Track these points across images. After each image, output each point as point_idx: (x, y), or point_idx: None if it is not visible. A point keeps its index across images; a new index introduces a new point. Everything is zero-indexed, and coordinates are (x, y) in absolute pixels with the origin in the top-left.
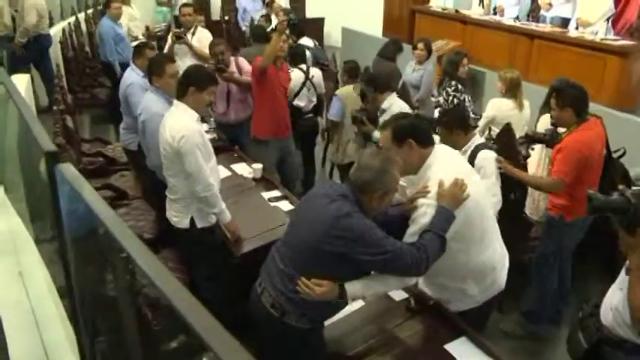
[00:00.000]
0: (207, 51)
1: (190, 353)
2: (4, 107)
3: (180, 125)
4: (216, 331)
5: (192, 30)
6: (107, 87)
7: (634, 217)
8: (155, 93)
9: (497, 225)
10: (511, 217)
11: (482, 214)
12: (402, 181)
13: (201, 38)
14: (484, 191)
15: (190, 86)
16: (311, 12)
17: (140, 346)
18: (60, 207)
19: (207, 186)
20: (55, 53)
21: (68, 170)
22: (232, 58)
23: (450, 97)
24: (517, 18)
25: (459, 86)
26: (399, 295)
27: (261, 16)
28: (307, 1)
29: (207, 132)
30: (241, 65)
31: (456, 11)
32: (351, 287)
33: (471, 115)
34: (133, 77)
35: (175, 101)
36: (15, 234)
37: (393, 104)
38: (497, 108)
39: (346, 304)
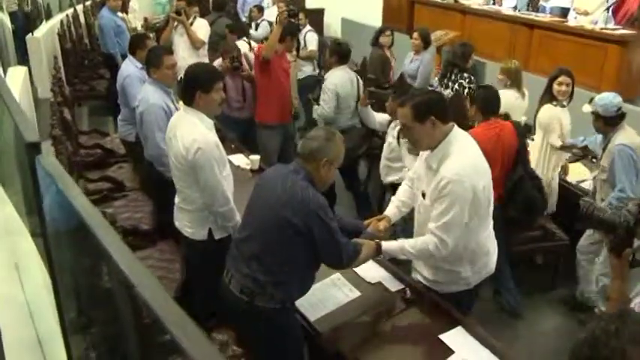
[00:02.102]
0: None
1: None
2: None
3: (195, 136)
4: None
5: (190, 20)
6: (106, 79)
7: (618, 237)
8: (153, 84)
9: (491, 216)
10: None
11: (488, 197)
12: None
13: (198, 28)
14: (490, 179)
15: (197, 90)
16: (311, 3)
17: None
18: (41, 200)
19: (225, 200)
20: (54, 45)
21: (49, 162)
22: (242, 53)
23: (466, 90)
24: (516, 8)
25: (472, 77)
26: (394, 285)
27: (254, 6)
28: None
29: None
30: (251, 62)
31: (455, 1)
32: (388, 245)
33: None
34: (130, 69)
35: (183, 107)
36: (11, 227)
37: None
38: (504, 99)
39: (312, 281)
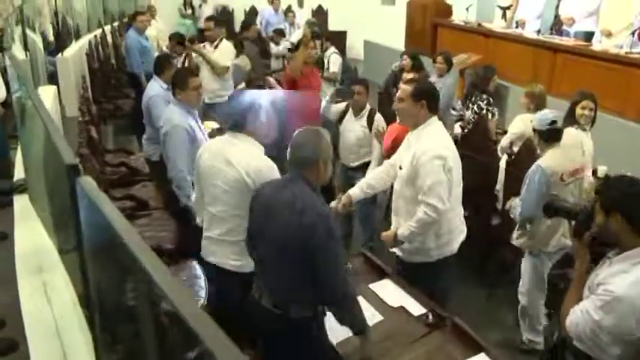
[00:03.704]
0: (227, 62)
1: None
2: (31, 116)
3: (258, 162)
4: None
5: (215, 43)
6: (131, 98)
7: (579, 222)
8: (178, 105)
9: (460, 201)
10: None
11: (457, 181)
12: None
13: (223, 50)
14: (458, 164)
15: (249, 117)
16: (333, 25)
17: (158, 355)
18: (80, 219)
19: None
20: (82, 65)
21: (88, 184)
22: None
23: (483, 111)
24: (539, 32)
25: (491, 100)
26: (417, 309)
27: (274, 31)
28: (330, 14)
29: None
30: (273, 87)
31: (479, 24)
32: (400, 231)
33: (496, 130)
34: (155, 89)
35: (232, 134)
36: (39, 243)
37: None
38: (525, 124)
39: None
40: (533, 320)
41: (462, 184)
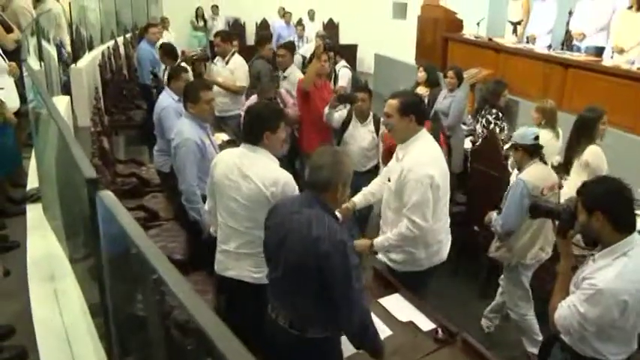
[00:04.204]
0: (242, 81)
1: None
2: (46, 126)
3: (276, 174)
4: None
5: (227, 58)
6: (143, 109)
7: (563, 221)
8: (189, 119)
9: (447, 211)
10: None
11: (445, 193)
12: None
13: (235, 65)
14: (446, 177)
15: (264, 130)
16: (344, 38)
17: None
18: (99, 232)
19: None
20: (95, 75)
21: (109, 198)
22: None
23: (491, 125)
24: (550, 47)
25: (500, 114)
26: (426, 325)
27: (280, 47)
28: (341, 27)
29: None
30: (285, 99)
31: (490, 39)
32: (377, 241)
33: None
34: (167, 101)
35: (247, 146)
36: (50, 252)
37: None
38: None
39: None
40: (530, 333)
41: (449, 194)
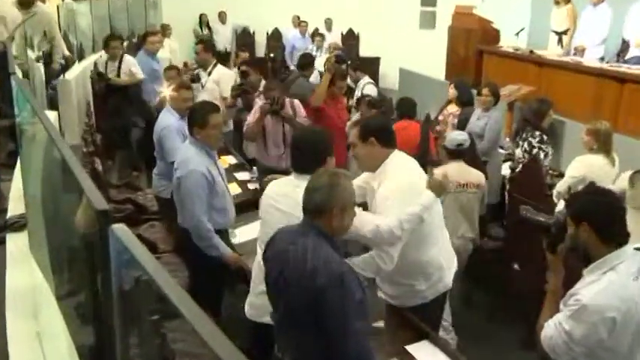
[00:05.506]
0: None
1: None
2: (35, 146)
3: None
4: None
5: (208, 70)
6: (140, 127)
7: (552, 235)
8: (195, 145)
9: (445, 231)
10: None
11: (437, 211)
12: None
13: (219, 76)
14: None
15: (326, 156)
16: (365, 50)
17: None
18: (111, 267)
19: None
20: (85, 89)
21: (123, 232)
22: (287, 100)
23: (535, 149)
24: (603, 59)
25: (544, 137)
26: None
27: (301, 56)
28: (361, 38)
29: (249, 182)
30: (297, 109)
31: (531, 52)
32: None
33: (549, 172)
34: (168, 119)
35: (295, 175)
36: (35, 289)
37: None
38: (587, 166)
39: None
40: None
41: (441, 211)
